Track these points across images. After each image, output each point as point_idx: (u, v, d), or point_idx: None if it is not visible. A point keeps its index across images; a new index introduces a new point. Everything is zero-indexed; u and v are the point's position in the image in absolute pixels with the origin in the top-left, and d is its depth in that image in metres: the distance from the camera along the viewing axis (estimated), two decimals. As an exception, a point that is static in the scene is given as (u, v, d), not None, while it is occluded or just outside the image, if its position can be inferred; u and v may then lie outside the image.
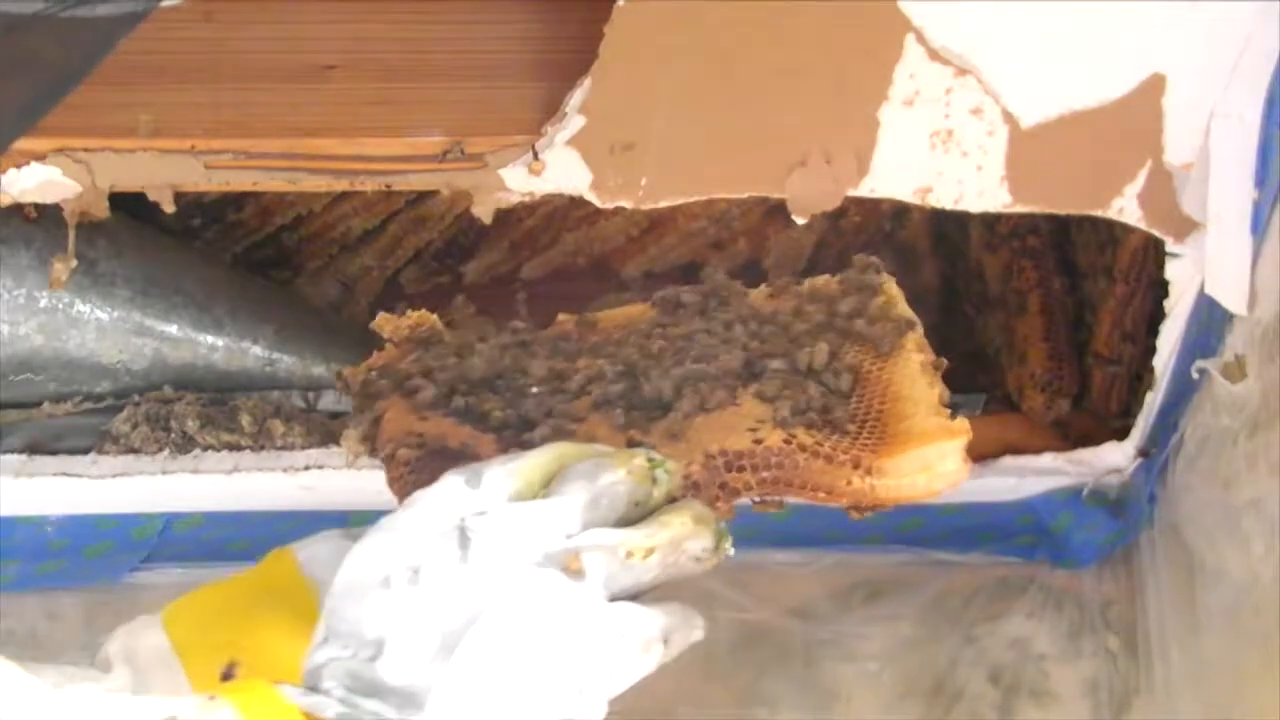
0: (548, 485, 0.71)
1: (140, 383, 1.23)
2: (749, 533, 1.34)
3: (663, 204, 1.01)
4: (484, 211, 1.01)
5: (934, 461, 0.80)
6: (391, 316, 0.93)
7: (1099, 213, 1.05)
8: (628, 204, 1.01)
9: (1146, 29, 0.95)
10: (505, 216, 1.35)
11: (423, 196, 1.36)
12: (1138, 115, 0.99)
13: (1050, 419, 1.29)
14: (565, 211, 1.40)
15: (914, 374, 0.86)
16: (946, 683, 1.36)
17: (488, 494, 0.70)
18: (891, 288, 0.93)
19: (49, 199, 0.98)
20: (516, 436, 0.85)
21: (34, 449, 1.20)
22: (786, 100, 0.97)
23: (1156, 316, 1.17)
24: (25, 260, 1.15)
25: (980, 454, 1.28)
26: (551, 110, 0.97)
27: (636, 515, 0.72)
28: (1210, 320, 1.11)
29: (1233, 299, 1.06)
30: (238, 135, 0.97)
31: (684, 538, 0.72)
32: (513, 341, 0.93)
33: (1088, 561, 1.37)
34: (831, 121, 0.99)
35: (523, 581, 0.66)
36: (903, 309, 0.91)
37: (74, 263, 1.09)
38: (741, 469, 0.81)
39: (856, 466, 0.80)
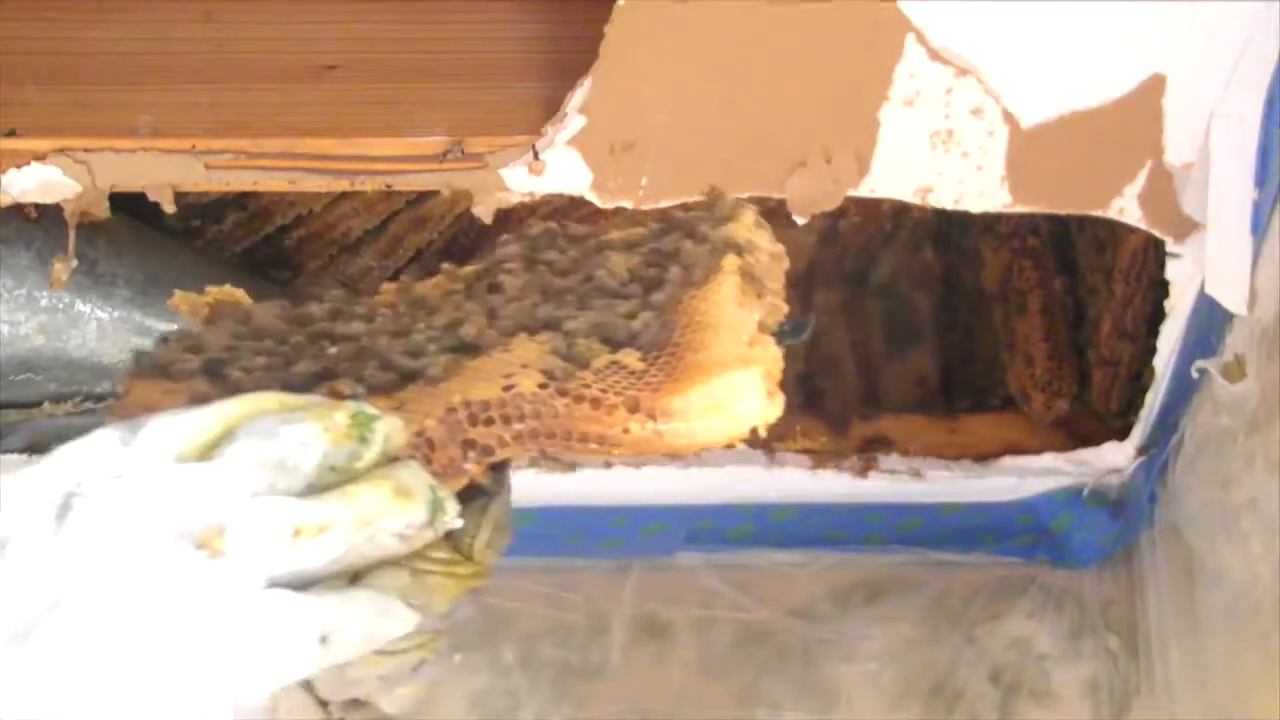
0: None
1: (140, 383, 1.23)
2: (749, 532, 1.33)
3: (663, 204, 1.01)
4: (484, 211, 1.01)
5: (726, 398, 0.69)
6: (190, 295, 0.85)
7: (1099, 213, 1.05)
8: (628, 204, 1.01)
9: (1146, 29, 0.95)
10: (506, 216, 1.35)
11: (423, 196, 1.36)
12: (1138, 115, 0.99)
13: (1050, 419, 1.29)
14: (566, 212, 1.40)
15: (726, 298, 0.75)
16: (947, 683, 1.36)
17: (142, 451, 0.60)
18: (746, 215, 0.84)
19: (49, 199, 0.98)
20: None
21: (34, 449, 1.20)
22: (787, 100, 0.97)
23: (1157, 316, 1.17)
24: (26, 260, 1.15)
25: (981, 454, 1.28)
26: (552, 110, 0.97)
27: (338, 482, 0.61)
28: (1210, 320, 1.11)
29: (1233, 299, 1.06)
30: (238, 135, 0.97)
31: (374, 513, 0.61)
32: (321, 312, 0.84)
33: (1088, 562, 1.37)
34: (832, 121, 0.99)
35: (128, 560, 0.56)
36: (736, 233, 0.82)
37: (74, 263, 1.09)
38: (489, 421, 0.69)
39: (634, 409, 0.69)
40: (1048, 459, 1.27)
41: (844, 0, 0.93)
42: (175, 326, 1.20)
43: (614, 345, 0.73)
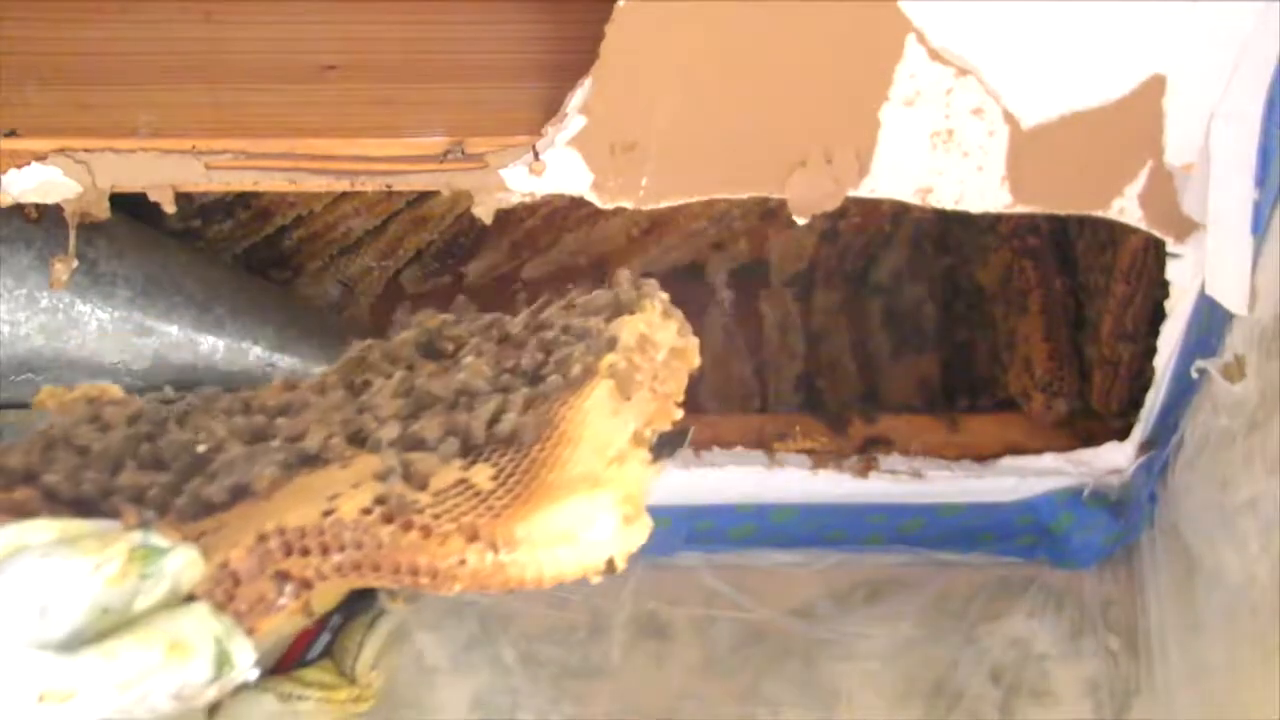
0: None
1: (141, 383, 1.23)
2: (749, 532, 1.33)
3: (663, 204, 1.01)
4: (485, 212, 1.01)
5: (575, 526, 0.60)
6: (57, 390, 0.81)
7: (1099, 213, 1.04)
8: (628, 204, 1.01)
9: (1147, 29, 0.95)
10: (506, 217, 1.36)
11: (423, 197, 1.36)
12: (1138, 116, 0.99)
13: (1050, 419, 1.29)
14: (566, 212, 1.40)
15: (594, 407, 0.67)
16: (947, 683, 1.36)
17: None
18: (650, 305, 0.77)
19: (50, 199, 0.98)
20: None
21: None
22: (787, 100, 0.97)
23: (1157, 316, 1.17)
24: (26, 260, 1.15)
25: (981, 454, 1.28)
26: (552, 110, 0.97)
27: (112, 627, 0.53)
28: (1210, 320, 1.11)
29: (1233, 299, 1.06)
30: (238, 135, 0.97)
31: (140, 674, 0.51)
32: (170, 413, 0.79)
33: (1088, 562, 1.37)
34: (832, 121, 0.99)
35: None
36: (627, 328, 0.73)
37: (75, 263, 1.09)
38: (305, 551, 0.60)
39: (473, 538, 0.60)
40: (1048, 459, 1.27)
41: (844, 0, 0.93)
42: (175, 328, 1.21)
43: (471, 453, 0.65)
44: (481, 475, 0.63)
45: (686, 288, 1.48)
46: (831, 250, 1.47)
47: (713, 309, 1.49)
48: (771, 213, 1.41)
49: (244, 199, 1.33)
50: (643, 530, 0.62)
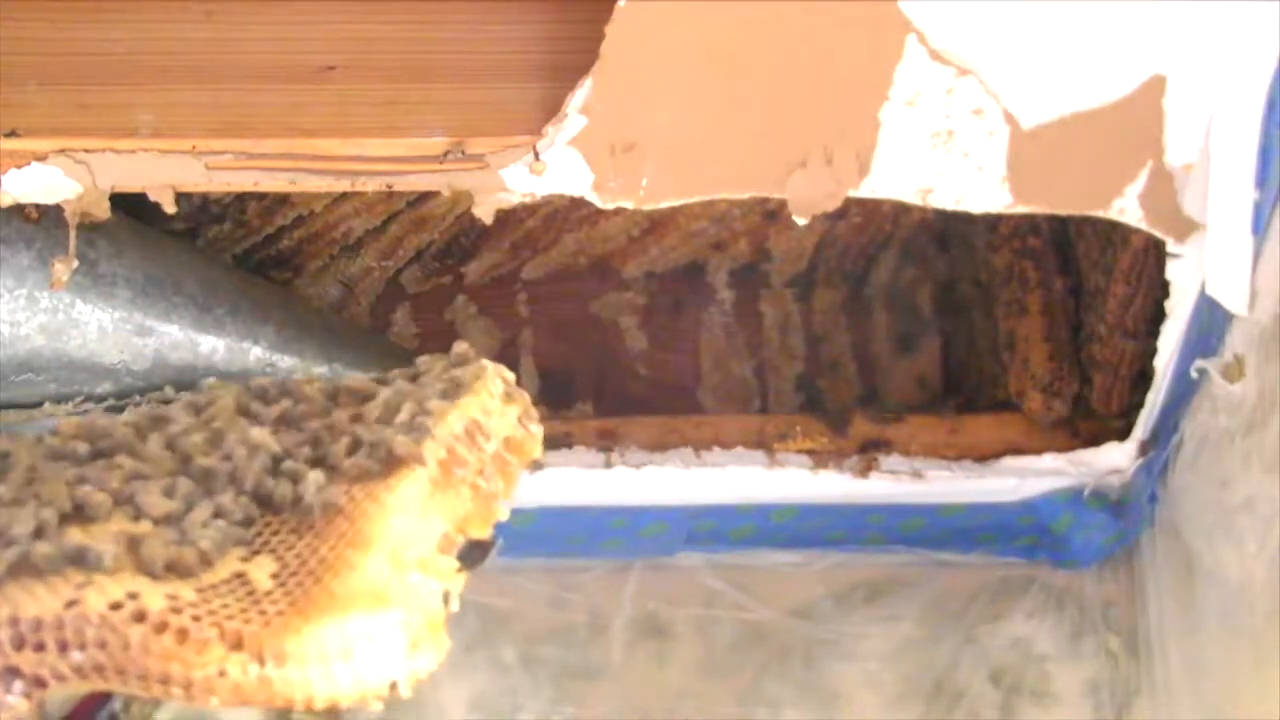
0: None
1: (141, 383, 1.23)
2: (750, 533, 1.33)
3: (664, 204, 1.01)
4: (485, 212, 1.01)
5: (354, 645, 0.54)
6: None
7: (1100, 213, 1.04)
8: (629, 205, 1.01)
9: (1147, 29, 0.95)
10: (506, 217, 1.36)
11: (424, 197, 1.36)
12: (1138, 116, 0.99)
13: (1051, 419, 1.29)
14: (566, 212, 1.40)
15: (398, 504, 0.60)
16: (947, 683, 1.36)
17: None
18: (489, 386, 0.69)
19: (50, 199, 0.98)
20: None
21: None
22: (787, 100, 0.97)
23: (1157, 317, 1.17)
24: (26, 261, 1.15)
25: (981, 454, 1.28)
26: (552, 111, 0.97)
27: None
28: (1210, 320, 1.11)
29: (1233, 299, 1.06)
30: (238, 135, 0.97)
31: None
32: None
33: (1089, 562, 1.37)
34: (832, 122, 0.98)
35: None
36: (460, 410, 0.65)
37: (75, 263, 1.09)
38: (40, 646, 0.52)
39: (236, 646, 0.53)
40: (1048, 459, 1.27)
41: (844, 0, 0.93)
42: (175, 328, 1.21)
43: (252, 535, 0.59)
44: (262, 571, 0.57)
45: (686, 288, 1.48)
46: (831, 250, 1.47)
47: (713, 309, 1.49)
48: (771, 213, 1.41)
49: (244, 199, 1.33)
50: (437, 653, 0.57)
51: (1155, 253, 1.15)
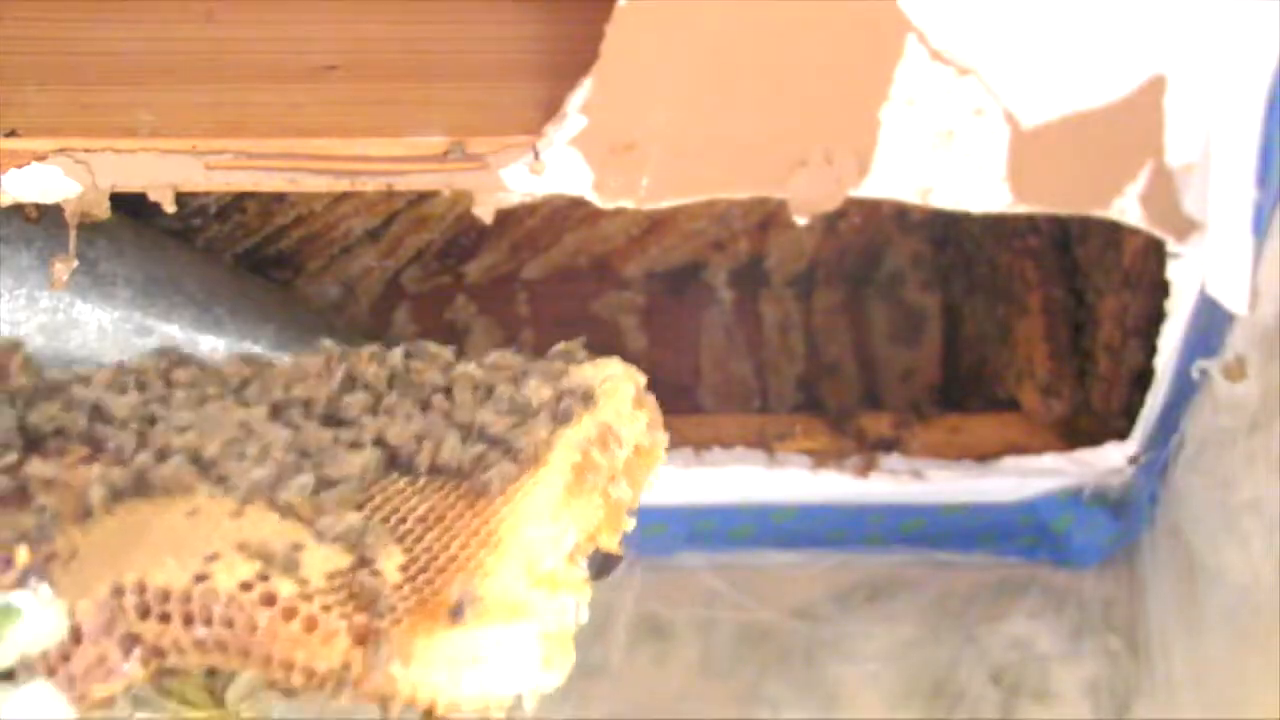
0: None
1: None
2: (750, 533, 1.33)
3: (663, 204, 1.01)
4: (485, 212, 1.01)
5: (487, 656, 0.52)
6: None
7: (1100, 213, 1.04)
8: (629, 204, 1.01)
9: (1147, 29, 0.95)
10: (506, 217, 1.36)
11: (424, 197, 1.36)
12: (1139, 116, 0.99)
13: (1051, 419, 1.29)
14: (566, 212, 1.40)
15: (536, 506, 0.59)
16: (948, 683, 1.36)
17: None
18: (622, 390, 0.67)
19: (50, 199, 0.98)
20: None
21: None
22: (787, 100, 0.97)
23: (1158, 317, 1.17)
24: (26, 261, 1.15)
25: (981, 454, 1.28)
26: (552, 110, 0.97)
27: None
28: (1211, 320, 1.11)
29: (1234, 299, 1.06)
30: (238, 135, 0.96)
31: None
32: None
33: (1089, 562, 1.37)
34: (832, 122, 0.98)
35: None
36: (594, 413, 0.64)
37: (75, 263, 1.09)
38: (165, 618, 0.51)
39: (363, 641, 0.51)
40: (1048, 459, 1.27)
41: (844, 0, 0.93)
42: (175, 327, 1.21)
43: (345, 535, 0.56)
44: (391, 563, 0.55)
45: (686, 288, 1.48)
46: (832, 250, 1.47)
47: (713, 309, 1.49)
48: (772, 213, 1.41)
49: (243, 199, 1.33)
50: (563, 671, 0.55)
51: (1155, 253, 1.15)
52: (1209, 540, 1.19)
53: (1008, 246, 1.36)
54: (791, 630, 1.39)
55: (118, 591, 0.51)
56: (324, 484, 0.60)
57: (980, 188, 1.02)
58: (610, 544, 0.63)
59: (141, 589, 0.51)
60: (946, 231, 1.47)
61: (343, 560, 0.55)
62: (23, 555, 0.49)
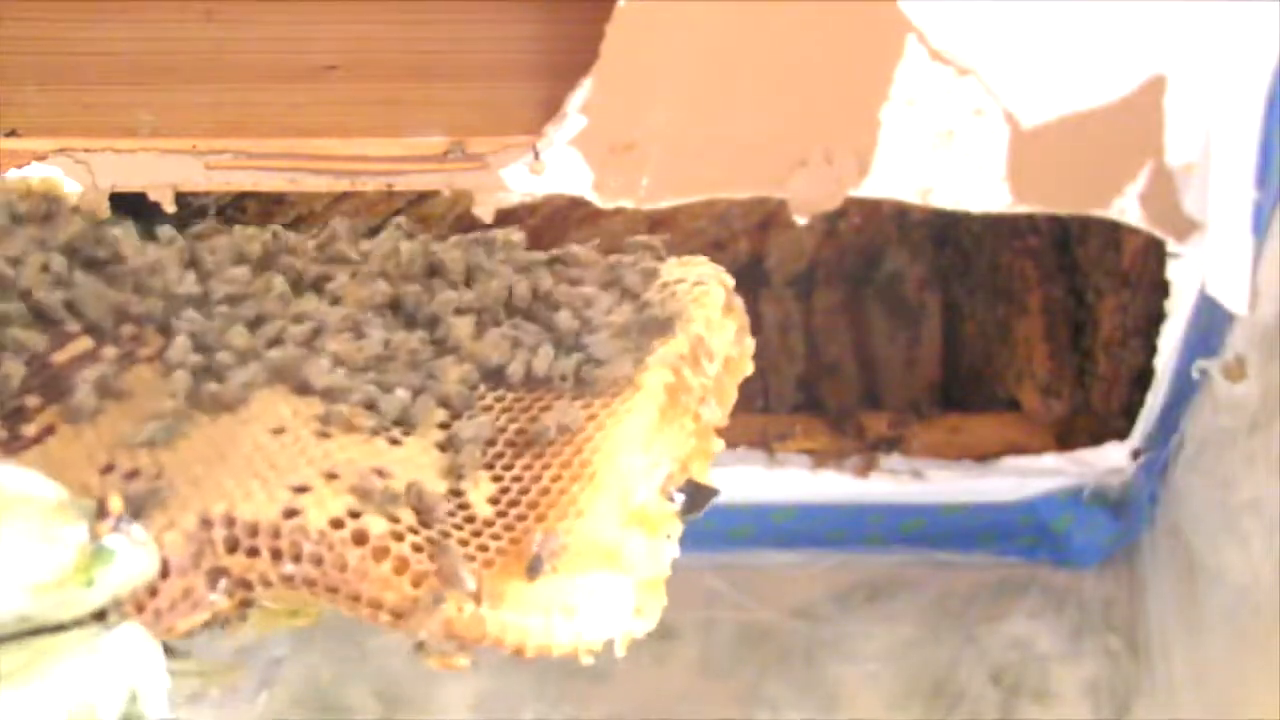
0: None
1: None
2: (750, 533, 1.33)
3: (663, 204, 1.01)
4: (485, 212, 1.01)
5: (581, 603, 0.50)
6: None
7: (1100, 213, 1.04)
8: (628, 204, 1.01)
9: (1147, 30, 0.95)
10: (506, 217, 1.35)
11: (424, 196, 1.36)
12: (1139, 115, 0.99)
13: (1050, 419, 1.29)
14: (566, 212, 1.40)
15: (629, 433, 0.54)
16: (948, 683, 1.36)
17: None
18: (712, 294, 0.60)
19: (50, 199, 0.98)
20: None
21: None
22: (787, 100, 0.97)
23: (1158, 316, 1.17)
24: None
25: (981, 454, 1.28)
26: (552, 110, 0.97)
27: (21, 634, 0.43)
28: (1211, 320, 1.11)
29: (1234, 299, 1.05)
30: (238, 135, 0.97)
31: None
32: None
33: (1089, 562, 1.37)
34: (832, 121, 0.98)
35: None
36: (685, 322, 0.58)
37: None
38: (253, 552, 0.49)
39: (451, 583, 0.50)
40: (1048, 459, 1.27)
41: (844, 0, 0.93)
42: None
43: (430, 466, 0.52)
44: (480, 493, 0.53)
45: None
46: (832, 250, 1.47)
47: (713, 309, 1.49)
48: (772, 213, 1.41)
49: (243, 199, 1.33)
50: (656, 614, 0.53)
51: (1155, 253, 1.15)
52: (1209, 540, 1.19)
53: (1008, 246, 1.36)
54: (791, 630, 1.39)
55: (205, 523, 0.49)
56: (417, 398, 0.56)
57: (980, 187, 1.02)
58: (701, 473, 0.58)
59: (230, 521, 0.49)
60: (946, 231, 1.47)
61: (435, 487, 0.52)
62: (116, 504, 0.47)
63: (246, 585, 0.50)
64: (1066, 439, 1.28)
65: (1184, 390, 1.18)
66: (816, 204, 1.01)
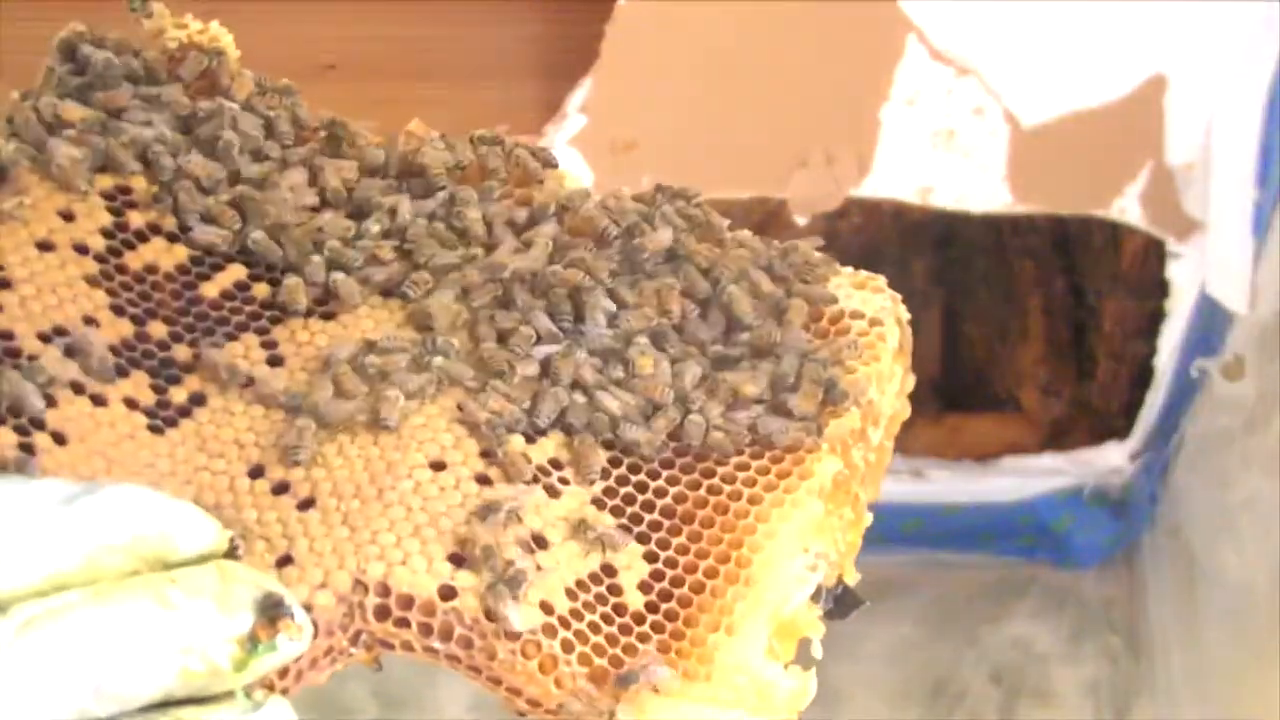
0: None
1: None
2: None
3: (664, 204, 1.01)
4: (484, 211, 1.01)
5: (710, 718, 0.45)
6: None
7: (1100, 213, 1.04)
8: (628, 204, 1.01)
9: (1147, 30, 0.95)
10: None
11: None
12: (1139, 115, 0.99)
13: (1050, 419, 1.29)
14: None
15: (798, 528, 0.47)
16: (948, 683, 1.36)
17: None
18: (890, 337, 0.51)
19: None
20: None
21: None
22: (787, 100, 0.97)
23: (1158, 316, 1.17)
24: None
25: (981, 454, 1.28)
26: (552, 110, 0.97)
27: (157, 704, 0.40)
28: (1211, 320, 1.11)
29: (1233, 298, 1.05)
30: (238, 135, 0.96)
31: None
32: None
33: (1089, 562, 1.37)
34: (833, 121, 0.98)
35: None
36: (861, 385, 0.48)
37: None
38: (404, 623, 0.46)
39: (598, 683, 0.46)
40: (1048, 459, 1.26)
41: (845, 0, 0.93)
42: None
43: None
44: (633, 577, 0.46)
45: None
46: (832, 250, 1.46)
47: (713, 309, 1.49)
48: (772, 213, 1.41)
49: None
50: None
51: (1155, 253, 1.15)
52: (1208, 540, 1.18)
53: (1008, 246, 1.36)
54: (791, 630, 1.39)
55: (359, 585, 0.46)
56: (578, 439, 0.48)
57: (981, 187, 1.02)
58: (850, 573, 0.51)
59: (385, 590, 0.46)
60: (946, 232, 1.47)
61: (586, 565, 0.47)
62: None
63: (388, 646, 0.47)
64: (1067, 439, 1.28)
65: (1183, 390, 1.18)
66: (817, 204, 1.01)
